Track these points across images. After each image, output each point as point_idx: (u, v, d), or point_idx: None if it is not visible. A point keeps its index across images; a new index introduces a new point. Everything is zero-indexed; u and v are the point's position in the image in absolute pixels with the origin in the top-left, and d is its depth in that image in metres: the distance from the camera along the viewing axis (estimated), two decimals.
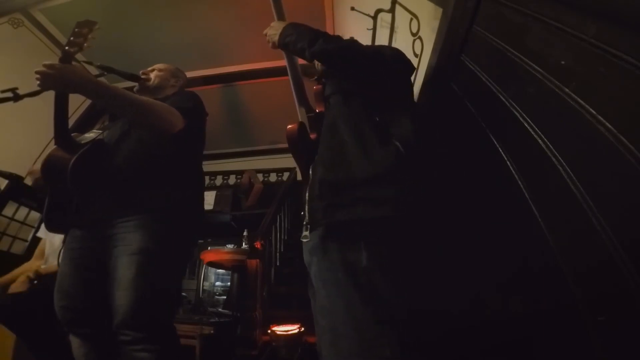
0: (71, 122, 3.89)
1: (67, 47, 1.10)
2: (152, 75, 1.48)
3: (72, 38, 1.12)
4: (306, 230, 0.85)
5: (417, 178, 0.83)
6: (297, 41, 1.03)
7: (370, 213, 0.79)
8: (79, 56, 1.16)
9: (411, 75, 1.13)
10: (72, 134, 1.27)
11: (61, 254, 1.20)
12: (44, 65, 1.02)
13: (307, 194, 0.89)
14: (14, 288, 1.87)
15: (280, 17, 1.20)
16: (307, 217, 0.85)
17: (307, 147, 1.10)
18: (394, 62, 1.01)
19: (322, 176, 0.87)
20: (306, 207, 0.86)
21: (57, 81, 1.03)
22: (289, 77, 1.27)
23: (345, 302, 0.76)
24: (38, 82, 1.02)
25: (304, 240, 0.88)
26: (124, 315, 0.98)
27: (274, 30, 1.11)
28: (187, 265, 4.26)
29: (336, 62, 1.02)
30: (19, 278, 1.91)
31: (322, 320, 0.82)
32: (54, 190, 1.25)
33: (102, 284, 1.07)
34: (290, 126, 1.09)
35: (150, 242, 1.07)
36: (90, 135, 1.33)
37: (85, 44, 1.12)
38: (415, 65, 1.50)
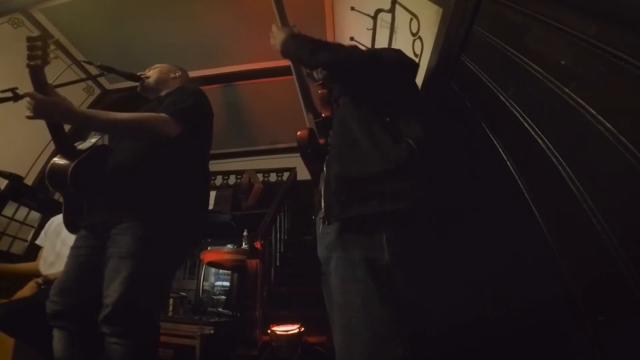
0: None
1: (27, 62, 1.08)
2: (150, 73, 1.49)
3: (28, 52, 1.09)
4: (323, 223, 0.85)
5: (429, 175, 0.84)
6: (299, 53, 1.07)
7: (383, 207, 0.79)
8: (78, 56, 1.16)
9: (415, 73, 1.13)
10: (76, 143, 1.30)
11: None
12: (26, 95, 1.04)
13: (322, 190, 0.89)
14: (22, 294, 1.88)
15: (284, 22, 1.21)
16: (323, 212, 0.85)
17: (317, 152, 1.13)
18: (393, 65, 1.02)
19: (338, 172, 0.88)
20: (322, 202, 0.87)
21: (40, 114, 1.05)
22: (296, 85, 1.29)
23: (363, 299, 0.76)
24: (30, 113, 1.04)
25: (324, 233, 0.87)
26: (107, 312, 1.03)
27: (276, 39, 1.15)
28: (186, 266, 4.24)
29: (335, 72, 1.06)
30: (28, 284, 1.92)
31: (336, 316, 0.82)
32: (66, 195, 1.30)
33: (96, 283, 1.10)
34: (300, 132, 1.12)
35: (140, 245, 1.09)
36: (92, 140, 1.35)
37: (48, 57, 1.10)
38: None
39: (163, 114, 1.20)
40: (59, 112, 1.08)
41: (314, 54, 1.00)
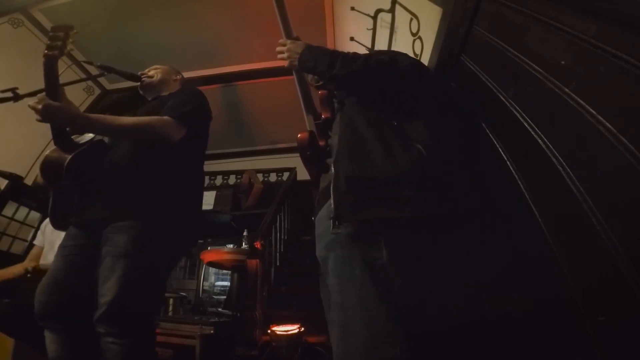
0: None
1: (46, 51, 1.09)
2: (153, 72, 1.49)
3: (50, 42, 1.10)
4: (334, 225, 0.85)
5: (436, 181, 0.84)
6: (316, 66, 1.06)
7: (390, 213, 0.79)
8: (78, 56, 1.16)
9: (428, 77, 1.12)
10: (73, 136, 1.28)
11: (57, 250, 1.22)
12: (37, 98, 1.06)
13: (331, 189, 0.89)
14: (4, 275, 1.89)
15: (288, 34, 1.21)
16: (333, 212, 0.85)
17: (317, 154, 1.13)
18: (410, 72, 1.02)
19: (348, 172, 0.87)
20: (332, 202, 0.87)
21: (48, 118, 1.08)
22: (297, 86, 1.29)
23: (360, 298, 0.76)
24: (39, 117, 1.06)
25: (332, 232, 0.87)
26: (102, 312, 1.02)
27: (291, 53, 1.14)
28: (186, 266, 4.25)
29: (353, 85, 1.05)
30: (12, 268, 1.95)
31: (334, 315, 0.82)
32: (57, 190, 1.27)
33: (85, 282, 1.09)
34: (300, 135, 1.12)
35: (136, 245, 1.09)
36: (89, 135, 1.34)
37: (65, 49, 1.11)
38: None
39: (167, 117, 1.21)
40: (65, 118, 1.10)
41: (332, 68, 1.00)
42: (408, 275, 0.77)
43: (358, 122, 0.95)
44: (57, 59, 1.10)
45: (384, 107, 0.98)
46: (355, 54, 1.04)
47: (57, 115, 1.08)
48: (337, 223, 0.84)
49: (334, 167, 0.93)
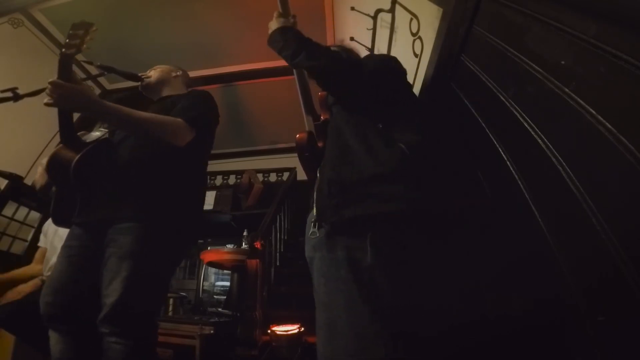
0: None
1: (64, 50, 1.09)
2: (152, 73, 1.50)
3: (68, 40, 1.11)
4: (314, 227, 0.85)
5: (422, 178, 0.84)
6: (282, 49, 1.07)
7: (377, 208, 0.79)
8: (78, 56, 1.15)
9: (402, 79, 1.12)
10: (79, 133, 1.28)
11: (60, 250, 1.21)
12: (50, 83, 1.03)
13: (315, 194, 0.90)
14: (24, 289, 1.88)
15: (285, 9, 1.22)
16: (315, 215, 0.86)
17: (316, 155, 1.13)
18: (374, 74, 1.02)
19: (330, 176, 0.88)
20: (314, 206, 0.87)
21: (62, 102, 1.05)
22: (297, 87, 1.29)
23: (345, 299, 0.76)
24: (50, 100, 1.03)
25: (312, 236, 0.88)
26: (106, 312, 1.02)
27: (269, 29, 1.15)
28: (186, 266, 4.23)
29: (315, 77, 1.06)
30: (32, 280, 1.93)
31: (319, 315, 0.82)
32: (60, 187, 1.27)
33: (90, 283, 1.09)
34: (299, 135, 1.12)
35: (140, 246, 1.09)
36: (97, 133, 1.34)
37: (83, 46, 1.11)
38: (415, 65, 1.50)
39: (179, 119, 1.21)
40: (83, 101, 1.07)
41: (295, 56, 1.02)
42: (392, 276, 0.76)
43: (344, 128, 0.96)
44: (73, 56, 1.10)
45: (369, 110, 0.98)
46: (326, 49, 1.06)
47: (75, 97, 1.05)
48: (316, 226, 0.84)
49: (319, 173, 0.93)
